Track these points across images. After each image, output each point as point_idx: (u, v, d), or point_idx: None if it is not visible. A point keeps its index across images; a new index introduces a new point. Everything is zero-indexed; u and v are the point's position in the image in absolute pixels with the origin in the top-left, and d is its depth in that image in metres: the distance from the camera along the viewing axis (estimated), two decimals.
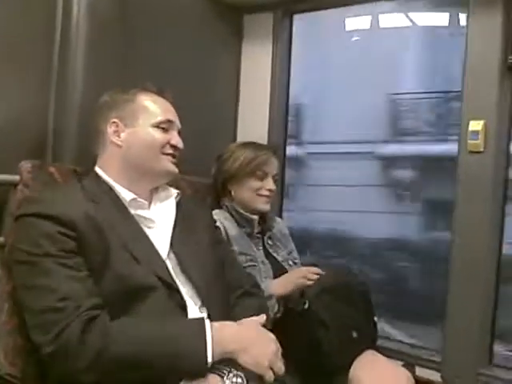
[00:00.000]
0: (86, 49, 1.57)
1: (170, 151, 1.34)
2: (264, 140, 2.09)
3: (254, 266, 1.68)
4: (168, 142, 1.34)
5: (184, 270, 1.29)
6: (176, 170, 1.37)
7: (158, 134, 1.33)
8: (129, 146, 1.32)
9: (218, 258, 1.42)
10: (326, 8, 2.17)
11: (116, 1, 1.67)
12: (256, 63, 2.19)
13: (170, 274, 1.24)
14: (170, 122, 1.36)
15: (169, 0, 1.87)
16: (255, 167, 1.76)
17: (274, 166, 1.80)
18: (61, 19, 1.56)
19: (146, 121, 1.33)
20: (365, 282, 1.73)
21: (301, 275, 1.62)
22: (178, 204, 1.41)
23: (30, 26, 1.54)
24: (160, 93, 1.40)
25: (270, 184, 1.77)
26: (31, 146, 1.57)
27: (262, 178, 1.77)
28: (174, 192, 1.42)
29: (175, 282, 1.23)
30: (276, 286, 1.61)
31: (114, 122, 1.33)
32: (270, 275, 1.69)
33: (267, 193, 1.77)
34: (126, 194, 1.30)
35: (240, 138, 2.15)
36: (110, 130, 1.33)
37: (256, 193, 1.76)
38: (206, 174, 1.84)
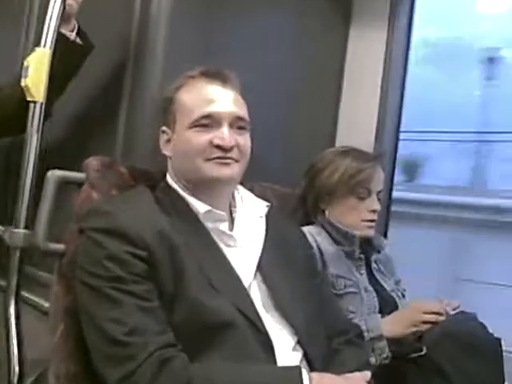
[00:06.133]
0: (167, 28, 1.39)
1: (216, 154, 1.08)
2: (370, 147, 1.75)
3: (355, 293, 1.42)
4: (210, 143, 1.08)
5: (278, 304, 1.10)
6: (228, 174, 1.10)
7: (195, 137, 1.09)
8: (174, 156, 1.15)
9: (315, 292, 1.21)
10: None
11: None
12: (365, 51, 1.85)
13: (254, 308, 1.07)
14: (209, 116, 1.09)
15: None
16: (358, 184, 1.46)
17: (380, 181, 1.51)
18: None
19: (182, 123, 1.11)
20: (494, 335, 1.39)
21: (419, 311, 1.33)
22: (266, 219, 1.19)
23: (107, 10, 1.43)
24: (210, 76, 1.13)
25: (374, 204, 1.48)
26: (99, 140, 1.43)
27: (364, 197, 1.48)
28: (261, 203, 1.20)
29: (260, 318, 1.06)
30: (388, 326, 1.33)
31: (164, 131, 1.17)
32: (375, 306, 1.42)
33: (371, 216, 1.48)
34: (199, 206, 1.10)
35: (340, 142, 1.84)
36: (162, 140, 1.17)
37: (358, 216, 1.48)
38: (298, 184, 1.58)
